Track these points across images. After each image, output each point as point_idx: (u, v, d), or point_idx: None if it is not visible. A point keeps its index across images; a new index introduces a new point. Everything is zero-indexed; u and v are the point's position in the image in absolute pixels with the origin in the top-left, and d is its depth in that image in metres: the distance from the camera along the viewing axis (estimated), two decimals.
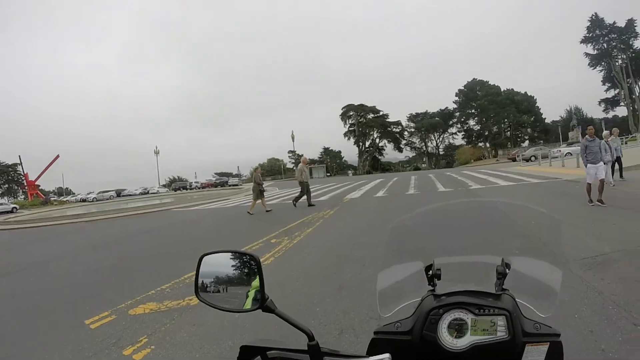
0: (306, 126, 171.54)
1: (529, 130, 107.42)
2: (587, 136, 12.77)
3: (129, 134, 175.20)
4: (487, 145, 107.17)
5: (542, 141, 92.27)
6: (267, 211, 19.52)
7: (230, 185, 78.70)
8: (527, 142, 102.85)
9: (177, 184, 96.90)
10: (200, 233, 15.31)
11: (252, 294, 1.32)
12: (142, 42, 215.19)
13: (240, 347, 1.29)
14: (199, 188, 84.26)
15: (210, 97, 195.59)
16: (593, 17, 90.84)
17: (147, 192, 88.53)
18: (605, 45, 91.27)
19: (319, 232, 12.16)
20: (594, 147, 12.50)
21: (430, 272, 1.45)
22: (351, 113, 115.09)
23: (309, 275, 7.48)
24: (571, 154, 44.17)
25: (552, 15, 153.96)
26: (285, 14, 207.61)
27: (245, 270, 1.37)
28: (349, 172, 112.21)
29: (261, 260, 1.38)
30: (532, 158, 52.24)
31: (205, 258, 1.41)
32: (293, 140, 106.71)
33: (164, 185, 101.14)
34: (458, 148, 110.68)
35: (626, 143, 50.07)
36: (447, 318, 1.24)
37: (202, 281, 1.38)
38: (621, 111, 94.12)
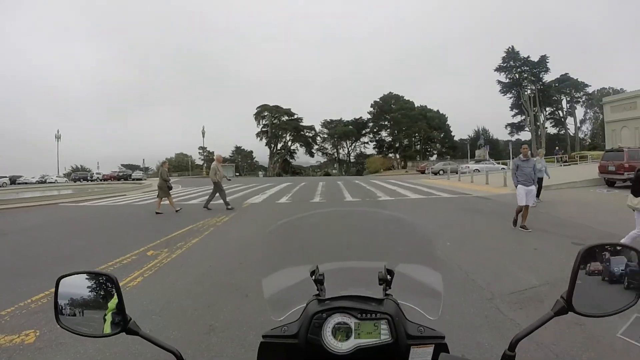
0: (219, 124, 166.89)
1: (438, 145, 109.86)
2: (520, 156, 11.89)
3: (31, 118, 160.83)
4: (397, 156, 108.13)
5: (448, 157, 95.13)
6: (176, 211, 17.74)
7: (133, 179, 73.14)
8: (435, 156, 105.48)
9: (77, 174, 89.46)
10: (75, 237, 12.61)
11: (109, 317, 1.25)
12: (52, 16, 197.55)
13: None
14: (101, 180, 77.91)
15: (123, 86, 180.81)
16: (510, 49, 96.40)
17: (45, 182, 78.91)
18: (517, 75, 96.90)
19: (203, 244, 10.42)
20: (527, 168, 11.59)
21: (314, 276, 1.45)
22: (265, 113, 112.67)
23: (172, 308, 5.81)
24: (479, 171, 44.77)
25: (471, 41, 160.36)
26: (200, 14, 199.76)
27: (102, 293, 1.30)
28: (260, 173, 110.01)
29: (129, 278, 1.04)
30: (441, 172, 52.69)
31: (62, 280, 1.32)
32: (203, 136, 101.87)
33: (65, 175, 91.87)
34: (369, 157, 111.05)
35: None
36: (331, 322, 1.27)
37: (62, 305, 1.29)
38: (525, 135, 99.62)
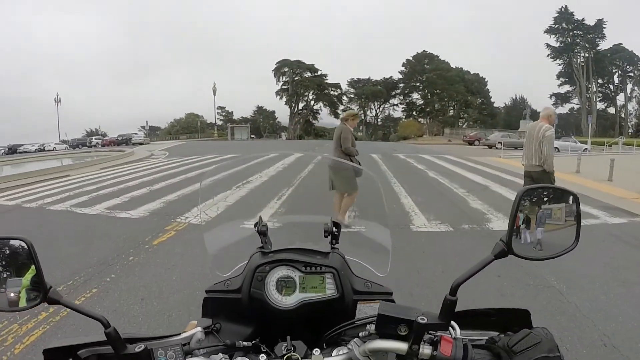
0: (238, 83, 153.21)
1: (475, 112, 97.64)
2: None
3: (41, 85, 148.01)
4: (427, 121, 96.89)
5: (480, 125, 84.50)
6: None
7: (133, 144, 59.87)
8: (467, 123, 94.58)
9: (75, 141, 76.21)
10: None
11: (26, 284, 1.07)
12: None
13: (43, 351, 1.09)
14: (101, 145, 65.11)
15: (128, 48, 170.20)
16: (562, 9, 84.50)
17: (43, 149, 65.01)
18: (569, 39, 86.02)
19: None
20: None
21: (257, 228, 1.42)
22: (285, 69, 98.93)
23: None
24: (558, 150, 32.12)
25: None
26: None
27: (16, 260, 1.09)
28: (283, 134, 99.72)
29: None
30: (498, 145, 40.35)
31: None
32: (214, 94, 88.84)
33: (64, 142, 76.00)
34: (397, 120, 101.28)
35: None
36: (275, 275, 1.24)
37: None
38: (569, 108, 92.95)
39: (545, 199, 1.14)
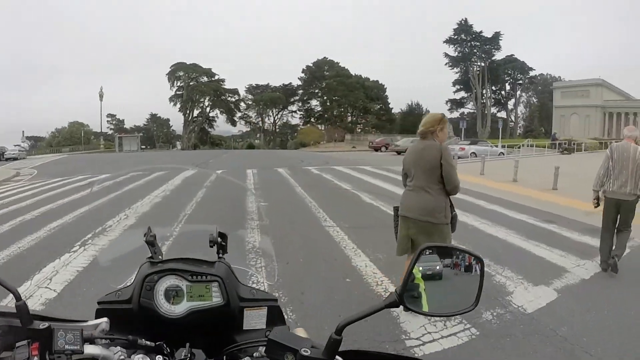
0: (133, 89, 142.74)
1: (373, 118, 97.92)
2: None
3: None
4: (326, 127, 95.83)
5: (379, 131, 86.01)
6: None
7: (7, 159, 48.12)
8: (365, 129, 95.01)
9: None
10: None
11: None
12: None
13: None
14: None
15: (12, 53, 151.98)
16: (462, 21, 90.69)
17: None
18: (467, 50, 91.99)
19: None
20: None
21: (145, 238, 1.39)
22: (181, 73, 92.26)
23: None
24: (475, 155, 32.67)
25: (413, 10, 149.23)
26: None
27: None
28: (178, 143, 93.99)
29: None
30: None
31: None
32: (101, 99, 79.24)
33: None
34: (295, 127, 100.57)
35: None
36: (163, 284, 1.23)
37: None
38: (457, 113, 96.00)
39: (447, 257, 1.16)
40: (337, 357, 1.01)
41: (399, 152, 39.27)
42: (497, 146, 37.67)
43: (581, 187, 14.59)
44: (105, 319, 1.14)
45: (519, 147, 39.99)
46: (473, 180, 17.61)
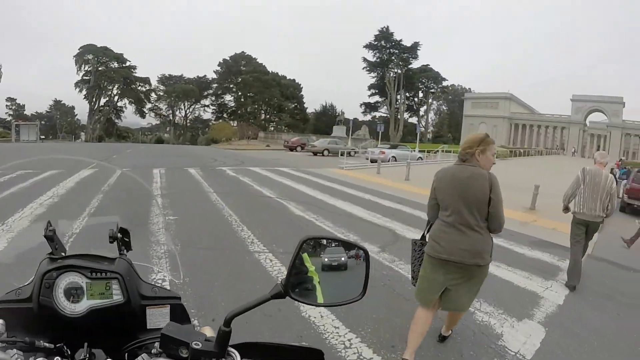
0: (34, 70, 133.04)
1: (288, 116, 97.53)
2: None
3: None
4: (238, 124, 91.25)
5: (292, 130, 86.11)
6: None
7: None
8: (278, 127, 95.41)
9: None
10: None
11: None
12: None
13: None
14: None
15: None
16: (384, 29, 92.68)
17: None
18: (386, 56, 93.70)
19: None
20: None
21: (44, 233, 1.26)
22: (90, 56, 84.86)
23: None
24: (395, 159, 32.83)
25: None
26: None
27: None
28: (82, 134, 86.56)
29: None
30: (326, 152, 38.81)
31: None
32: None
33: None
34: (206, 122, 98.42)
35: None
36: (63, 282, 1.17)
37: None
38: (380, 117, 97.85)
39: (331, 249, 1.17)
40: (229, 348, 1.01)
41: (315, 153, 38.94)
42: (415, 150, 37.51)
43: (508, 197, 14.56)
44: (1, 321, 1.05)
45: (436, 152, 40.17)
46: (399, 187, 16.98)
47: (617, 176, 22.06)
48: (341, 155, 31.39)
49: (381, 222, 9.82)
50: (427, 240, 3.93)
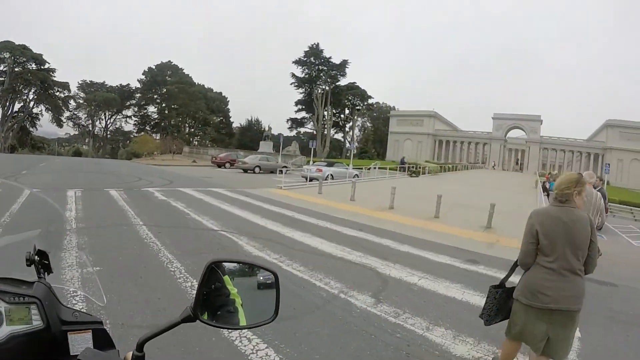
0: None
1: (212, 130, 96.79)
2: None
3: None
4: (161, 137, 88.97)
5: (217, 145, 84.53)
6: None
7: None
8: (202, 142, 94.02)
9: None
10: None
11: None
12: None
13: None
14: None
15: None
16: (314, 45, 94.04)
17: None
18: (314, 73, 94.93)
19: None
20: None
21: None
22: (6, 55, 76.43)
23: None
24: (332, 177, 31.60)
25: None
26: None
27: None
28: None
29: None
30: (257, 169, 37.63)
31: None
32: None
33: None
34: (127, 134, 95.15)
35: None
36: None
37: None
38: (305, 133, 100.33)
39: (240, 272, 1.20)
40: None
41: (245, 170, 37.39)
42: (349, 167, 36.55)
43: (457, 214, 15.51)
44: None
45: (369, 169, 39.82)
46: (349, 209, 15.81)
47: (549, 189, 25.02)
48: (272, 172, 32.21)
49: (355, 259, 8.51)
50: (506, 285, 3.98)
